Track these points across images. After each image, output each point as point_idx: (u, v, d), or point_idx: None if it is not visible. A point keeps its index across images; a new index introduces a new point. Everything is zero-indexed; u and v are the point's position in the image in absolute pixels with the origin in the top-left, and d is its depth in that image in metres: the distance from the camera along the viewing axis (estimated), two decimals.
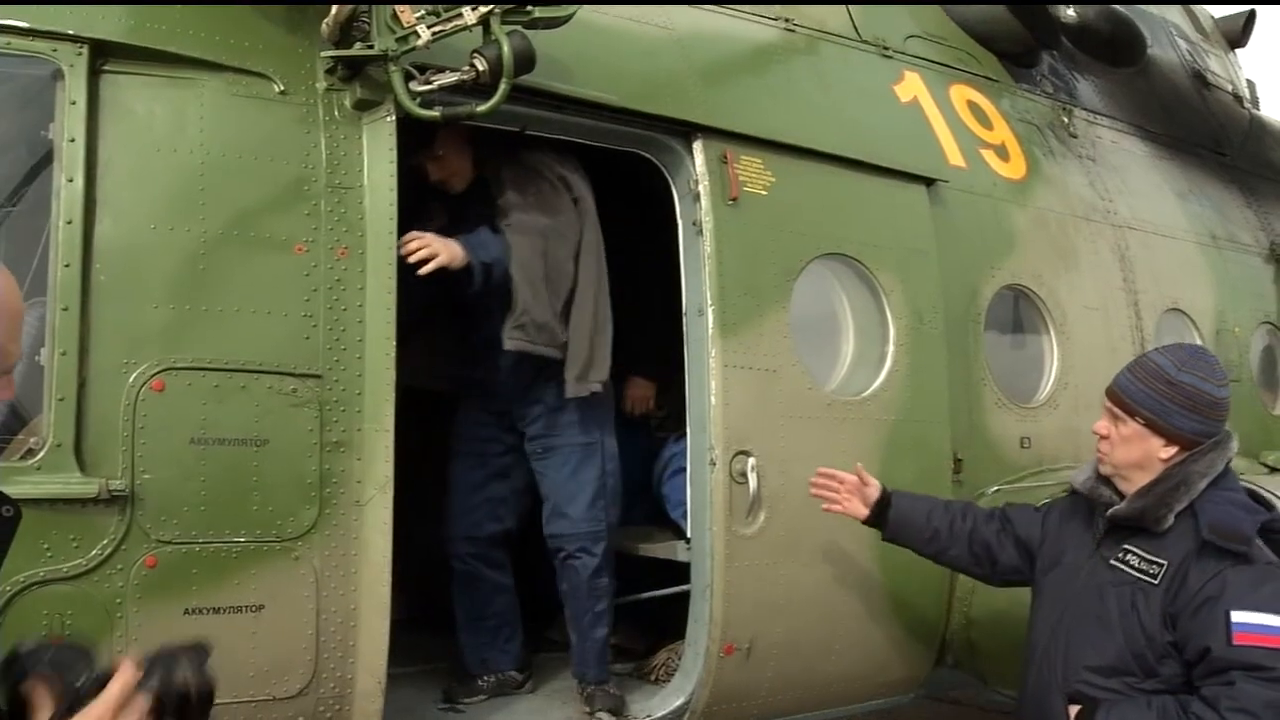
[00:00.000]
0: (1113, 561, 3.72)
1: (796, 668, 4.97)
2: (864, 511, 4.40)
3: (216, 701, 3.70)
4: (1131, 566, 3.67)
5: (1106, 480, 3.84)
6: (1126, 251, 7.19)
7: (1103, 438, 3.81)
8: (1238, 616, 3.42)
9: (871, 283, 5.44)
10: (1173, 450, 3.69)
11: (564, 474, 5.10)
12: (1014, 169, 6.58)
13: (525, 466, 5.26)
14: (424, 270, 4.42)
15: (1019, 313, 6.42)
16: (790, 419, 4.93)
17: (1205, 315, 7.62)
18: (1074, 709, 3.69)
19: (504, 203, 4.89)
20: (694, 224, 4.90)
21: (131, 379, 3.71)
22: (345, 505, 4.01)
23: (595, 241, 4.98)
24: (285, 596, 3.91)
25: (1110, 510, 3.76)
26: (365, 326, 4.09)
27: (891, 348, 5.42)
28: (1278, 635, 3.40)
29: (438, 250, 4.47)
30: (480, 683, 5.11)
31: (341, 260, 4.09)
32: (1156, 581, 3.61)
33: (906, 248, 5.59)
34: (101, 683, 1.96)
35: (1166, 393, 3.70)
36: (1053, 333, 6.42)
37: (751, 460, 4.68)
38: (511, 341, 4.75)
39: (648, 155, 5.00)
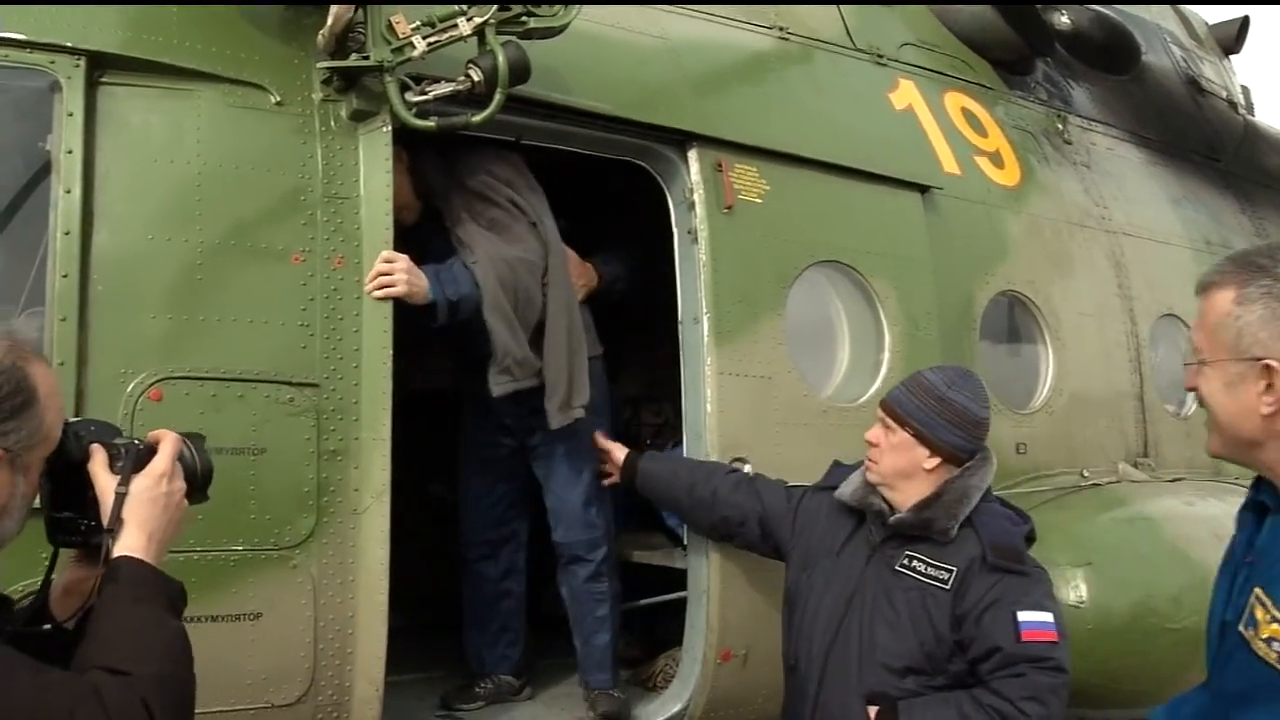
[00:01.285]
0: (898, 567, 3.92)
1: None
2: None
3: (215, 710, 3.78)
4: (919, 573, 3.89)
5: (873, 489, 4.03)
6: (1121, 258, 7.22)
7: (874, 445, 4.01)
8: (1023, 616, 3.74)
9: (866, 290, 5.46)
10: (936, 461, 3.94)
11: (560, 480, 5.10)
12: (1008, 176, 6.60)
13: (529, 469, 5.26)
14: (376, 296, 4.24)
15: (1014, 319, 6.45)
16: (786, 426, 4.95)
17: None
18: (873, 710, 3.82)
19: (463, 234, 4.77)
20: (689, 232, 4.92)
21: (129, 389, 3.72)
22: (343, 514, 4.02)
23: (560, 263, 4.89)
24: (283, 605, 3.92)
25: (894, 518, 3.95)
26: (362, 335, 4.11)
27: (887, 354, 5.45)
28: (1055, 630, 3.76)
29: (396, 281, 4.25)
30: (478, 689, 5.11)
31: (338, 270, 4.11)
32: (947, 587, 3.83)
33: (901, 255, 5.61)
34: (141, 448, 2.41)
35: (936, 407, 3.95)
36: (1048, 339, 6.44)
37: (747, 467, 4.69)
38: (499, 387, 4.69)
39: (642, 164, 5.02)
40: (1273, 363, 2.37)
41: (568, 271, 4.96)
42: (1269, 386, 2.39)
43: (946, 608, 3.79)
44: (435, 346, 5.35)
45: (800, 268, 5.22)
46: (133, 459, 2.38)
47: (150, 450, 2.42)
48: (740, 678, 4.83)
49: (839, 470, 4.32)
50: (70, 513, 2.39)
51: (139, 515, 2.35)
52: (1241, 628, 2.43)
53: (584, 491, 5.10)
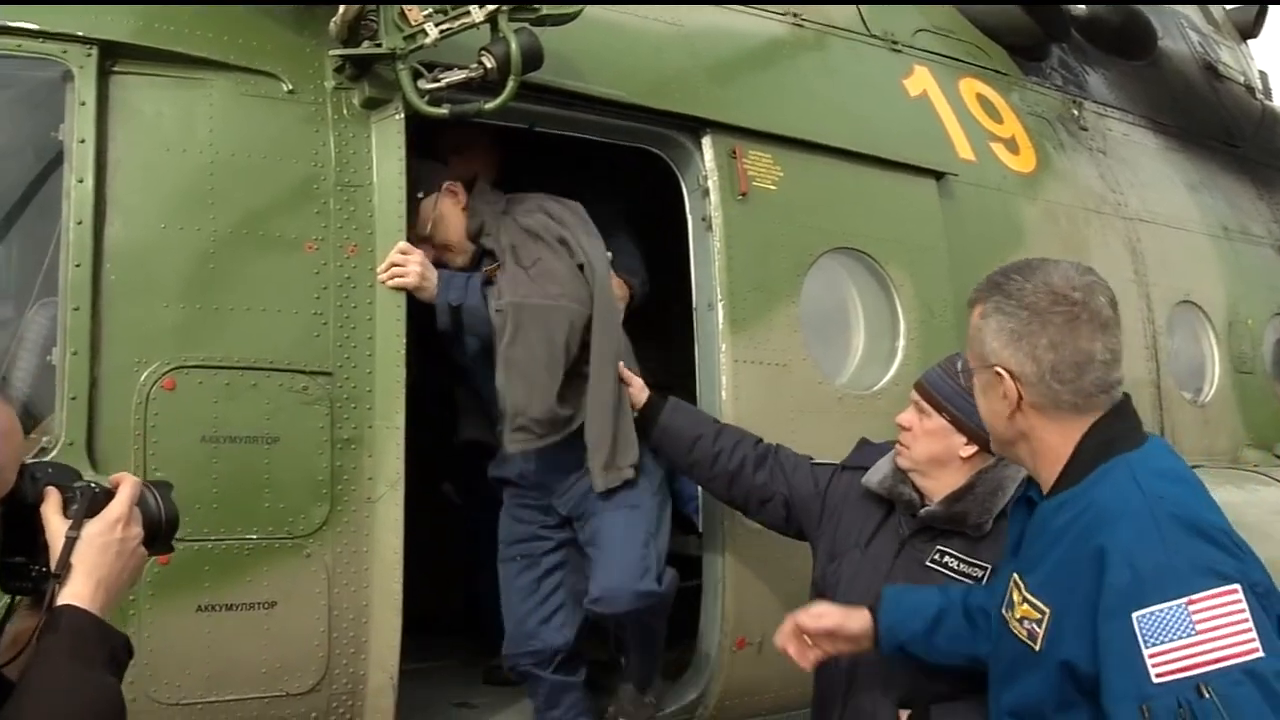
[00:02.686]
0: (929, 563, 3.71)
1: None
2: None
3: (229, 698, 3.78)
4: (951, 569, 3.67)
5: (904, 477, 3.83)
6: (1138, 244, 7.18)
7: (906, 429, 3.80)
8: None
9: (881, 277, 5.43)
10: (973, 450, 3.69)
11: (609, 541, 4.57)
12: (1024, 162, 6.57)
13: (579, 561, 4.76)
14: (388, 285, 4.19)
15: None
16: (801, 413, 4.93)
17: (1217, 307, 7.60)
18: (905, 713, 3.66)
19: (501, 282, 4.48)
20: (703, 219, 4.90)
21: (143, 378, 3.73)
22: (357, 502, 4.02)
23: (608, 312, 4.55)
24: (297, 593, 3.93)
25: (924, 511, 3.75)
26: (375, 324, 4.11)
27: (902, 341, 5.42)
28: None
29: (408, 272, 4.19)
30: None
31: (351, 258, 4.11)
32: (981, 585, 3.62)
33: (916, 241, 5.58)
34: (97, 492, 2.28)
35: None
36: None
37: None
38: (514, 444, 4.43)
39: (657, 151, 4.99)
40: (999, 369, 2.64)
41: (618, 322, 4.66)
42: (1004, 392, 2.65)
43: None
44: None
45: (815, 255, 5.20)
46: (87, 502, 2.26)
47: (108, 494, 2.29)
48: (755, 665, 4.82)
49: (868, 449, 4.17)
50: (22, 557, 2.27)
51: (88, 561, 2.22)
52: (1003, 610, 2.69)
53: (633, 549, 4.55)
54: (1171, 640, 2.24)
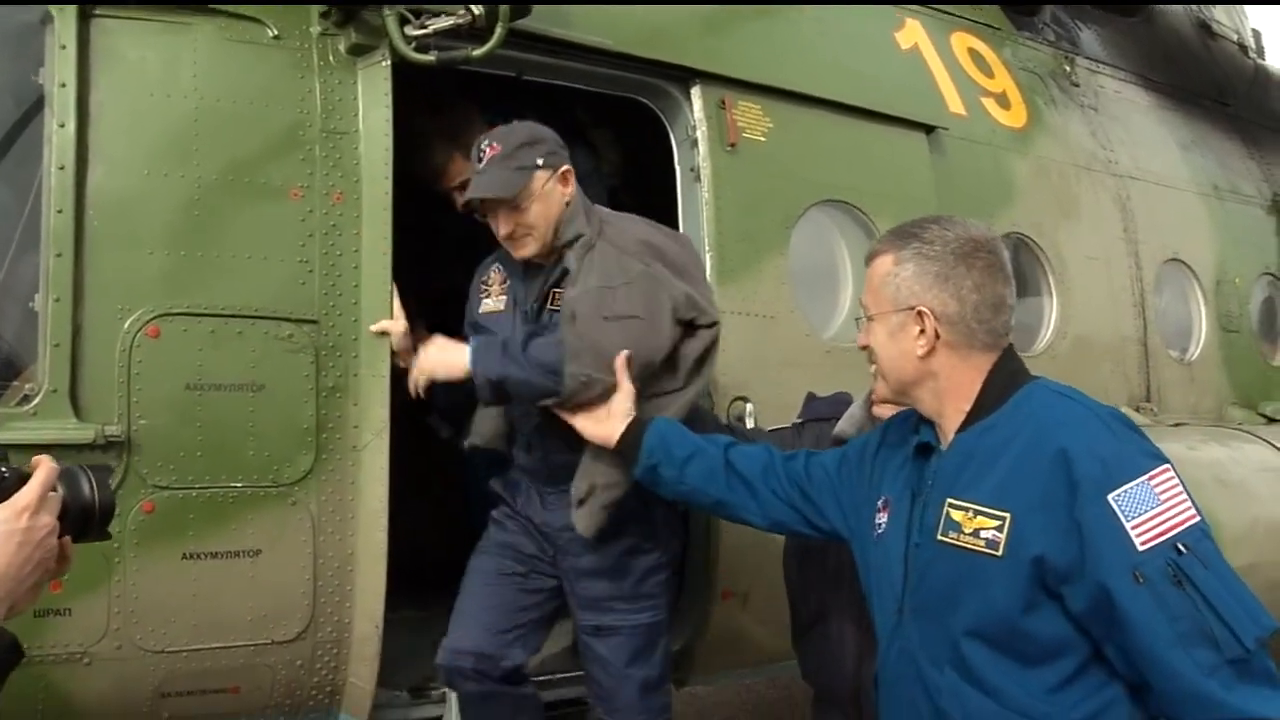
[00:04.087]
0: None
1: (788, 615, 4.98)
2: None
3: (214, 646, 3.78)
4: None
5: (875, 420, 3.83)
6: (1127, 201, 7.18)
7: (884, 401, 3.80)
8: None
9: (870, 230, 5.41)
10: None
11: (617, 662, 4.15)
12: (1015, 117, 6.55)
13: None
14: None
15: (1018, 261, 6.40)
16: (788, 366, 4.92)
17: (1206, 266, 7.61)
18: None
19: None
20: (692, 170, 4.87)
21: (126, 325, 3.70)
22: (342, 450, 4.01)
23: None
24: (283, 541, 3.92)
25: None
26: (361, 271, 4.07)
27: None
28: None
29: (418, 378, 3.97)
30: None
31: (337, 205, 4.07)
32: None
33: (906, 195, 5.56)
34: (9, 479, 2.12)
35: None
36: (1052, 282, 6.41)
37: (749, 406, 4.67)
38: (584, 521, 3.92)
39: (645, 101, 4.96)
40: (922, 308, 2.81)
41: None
42: (921, 331, 2.82)
43: None
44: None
45: (804, 207, 5.19)
46: None
47: (21, 480, 2.13)
48: (740, 617, 4.84)
49: (816, 403, 4.21)
50: None
51: None
52: (940, 536, 2.79)
53: (647, 671, 4.18)
54: (1145, 512, 2.54)
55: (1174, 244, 7.41)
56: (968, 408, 2.84)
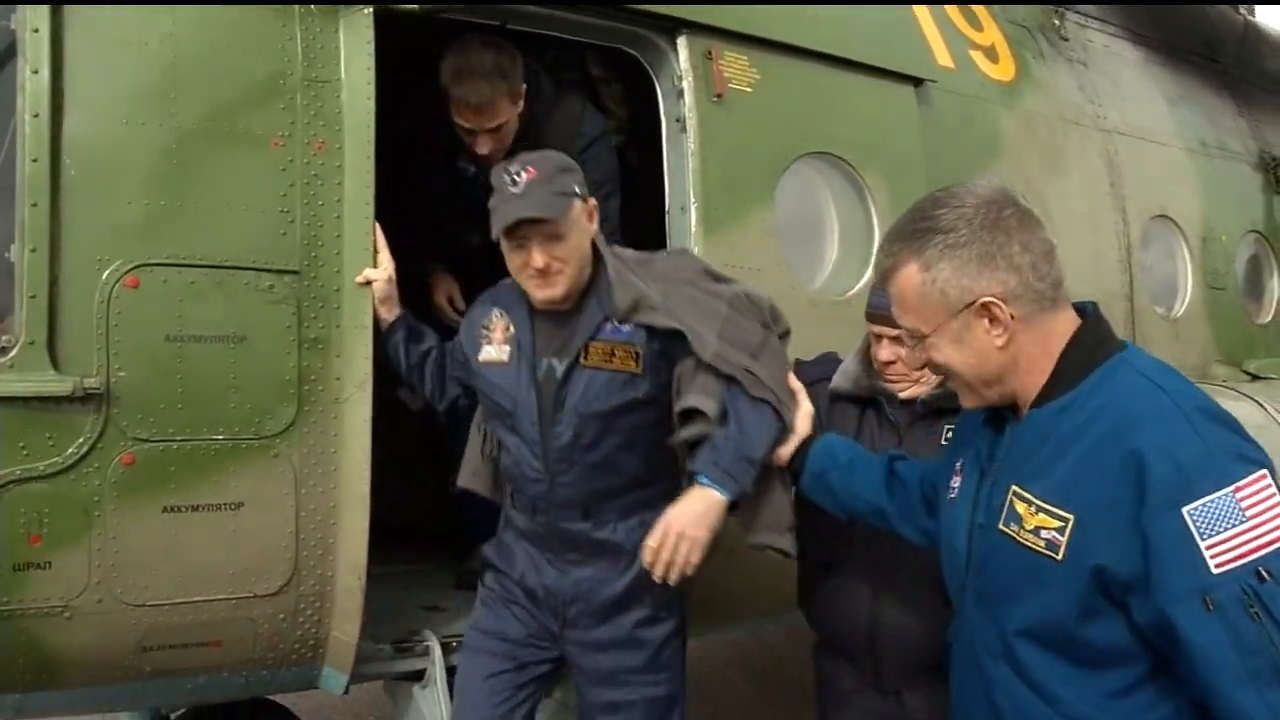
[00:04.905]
0: (944, 441, 3.69)
1: (775, 569, 4.97)
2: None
3: (196, 599, 3.76)
4: None
5: (873, 373, 3.88)
6: (1115, 157, 7.15)
7: (889, 363, 3.79)
8: None
9: (857, 182, 5.38)
10: None
11: None
12: (1003, 71, 6.50)
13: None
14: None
15: None
16: None
17: (1192, 222, 7.60)
18: None
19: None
20: (678, 121, 4.80)
21: (105, 276, 3.64)
22: (325, 403, 3.97)
23: None
24: (264, 494, 3.89)
25: (930, 395, 3.78)
26: (343, 222, 4.01)
27: (876, 248, 5.37)
28: None
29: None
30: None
31: (319, 155, 4.00)
32: None
33: (893, 148, 5.53)
34: None
35: None
36: None
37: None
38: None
39: (631, 51, 4.89)
40: (985, 299, 2.57)
41: None
42: (991, 321, 2.59)
43: None
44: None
45: (790, 159, 5.13)
46: None
47: None
48: (725, 571, 4.82)
49: (806, 366, 4.12)
50: None
51: None
52: (1002, 526, 2.62)
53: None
54: (1226, 530, 2.27)
55: (1161, 200, 7.39)
56: (1041, 383, 2.62)
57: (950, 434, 3.63)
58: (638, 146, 5.20)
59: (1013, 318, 2.58)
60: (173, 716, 5.41)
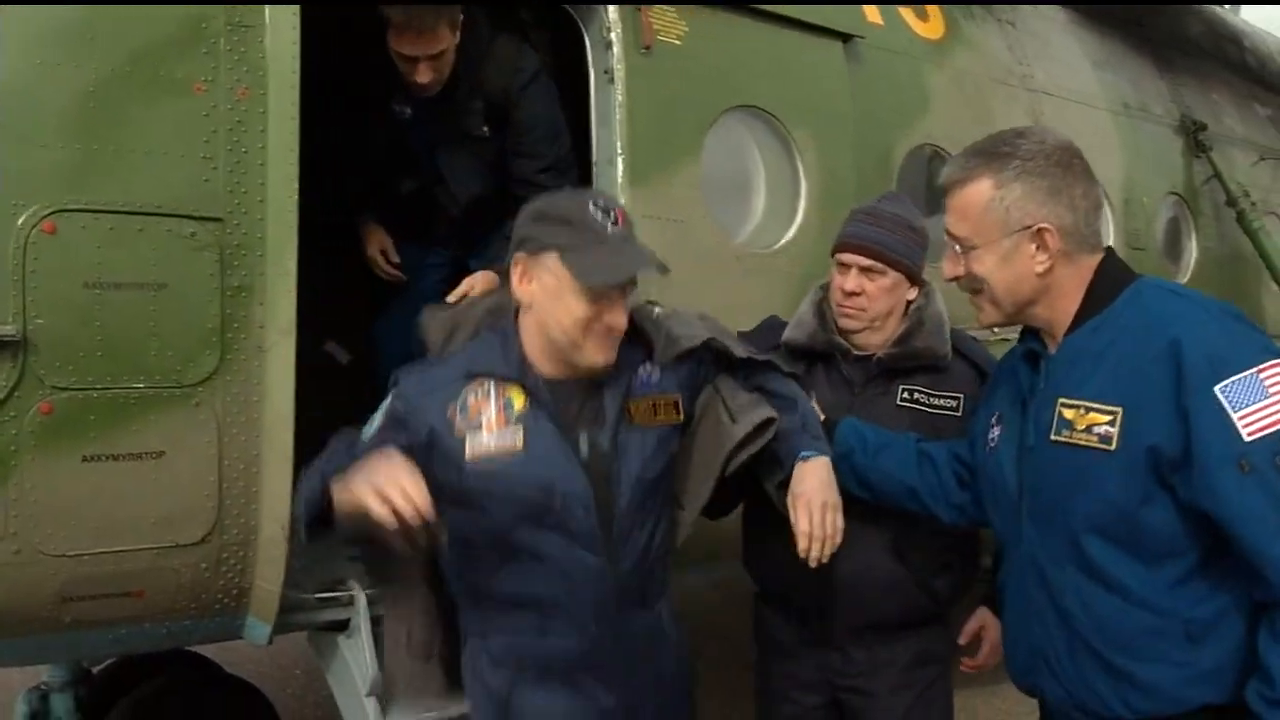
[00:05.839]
0: (900, 403, 3.83)
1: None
2: None
3: (117, 549, 3.71)
4: (924, 404, 3.83)
5: (830, 328, 3.91)
6: (1041, 117, 7.21)
7: (857, 294, 3.81)
8: None
9: (784, 137, 5.41)
10: (915, 291, 3.89)
11: None
12: (932, 29, 6.52)
13: None
14: None
15: (932, 173, 6.43)
16: (700, 270, 4.87)
17: (1114, 184, 7.69)
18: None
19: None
20: (606, 72, 4.78)
21: (20, 221, 3.56)
22: (247, 351, 3.92)
23: None
24: (186, 443, 3.84)
25: (885, 353, 3.85)
26: (267, 169, 3.95)
27: (803, 203, 5.42)
28: None
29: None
30: None
31: (242, 101, 3.94)
32: (958, 414, 3.79)
33: (821, 103, 5.55)
34: None
35: (913, 239, 3.86)
36: None
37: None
38: None
39: (561, 3, 4.85)
40: (1043, 226, 2.83)
41: None
42: (1038, 249, 2.85)
43: (954, 434, 3.73)
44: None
45: (718, 112, 5.14)
46: None
47: None
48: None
49: (765, 331, 4.15)
50: None
51: None
52: (1054, 436, 2.86)
53: None
54: (1254, 403, 2.59)
55: None
56: (1075, 309, 2.90)
57: (906, 395, 3.83)
58: (564, 99, 5.17)
59: (1058, 250, 2.84)
60: (95, 669, 5.37)
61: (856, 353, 3.89)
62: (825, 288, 4.01)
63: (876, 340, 3.87)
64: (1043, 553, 2.92)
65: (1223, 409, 2.59)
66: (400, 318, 4.98)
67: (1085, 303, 2.90)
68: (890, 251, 3.79)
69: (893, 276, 3.81)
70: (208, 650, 4.97)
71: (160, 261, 3.77)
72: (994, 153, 2.90)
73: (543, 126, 4.84)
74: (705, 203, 5.05)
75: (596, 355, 3.08)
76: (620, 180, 4.74)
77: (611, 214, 3.06)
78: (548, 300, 3.05)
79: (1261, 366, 2.62)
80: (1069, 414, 2.82)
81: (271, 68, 3.99)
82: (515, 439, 3.09)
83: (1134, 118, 8.18)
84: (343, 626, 4.35)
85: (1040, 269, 2.86)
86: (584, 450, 3.14)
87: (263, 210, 3.95)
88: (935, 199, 6.32)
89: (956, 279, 3.02)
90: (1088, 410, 2.77)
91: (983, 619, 4.06)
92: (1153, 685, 2.76)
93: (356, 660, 4.25)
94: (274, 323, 3.95)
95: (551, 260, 3.02)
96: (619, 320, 3.08)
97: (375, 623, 4.23)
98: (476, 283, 4.50)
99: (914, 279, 3.88)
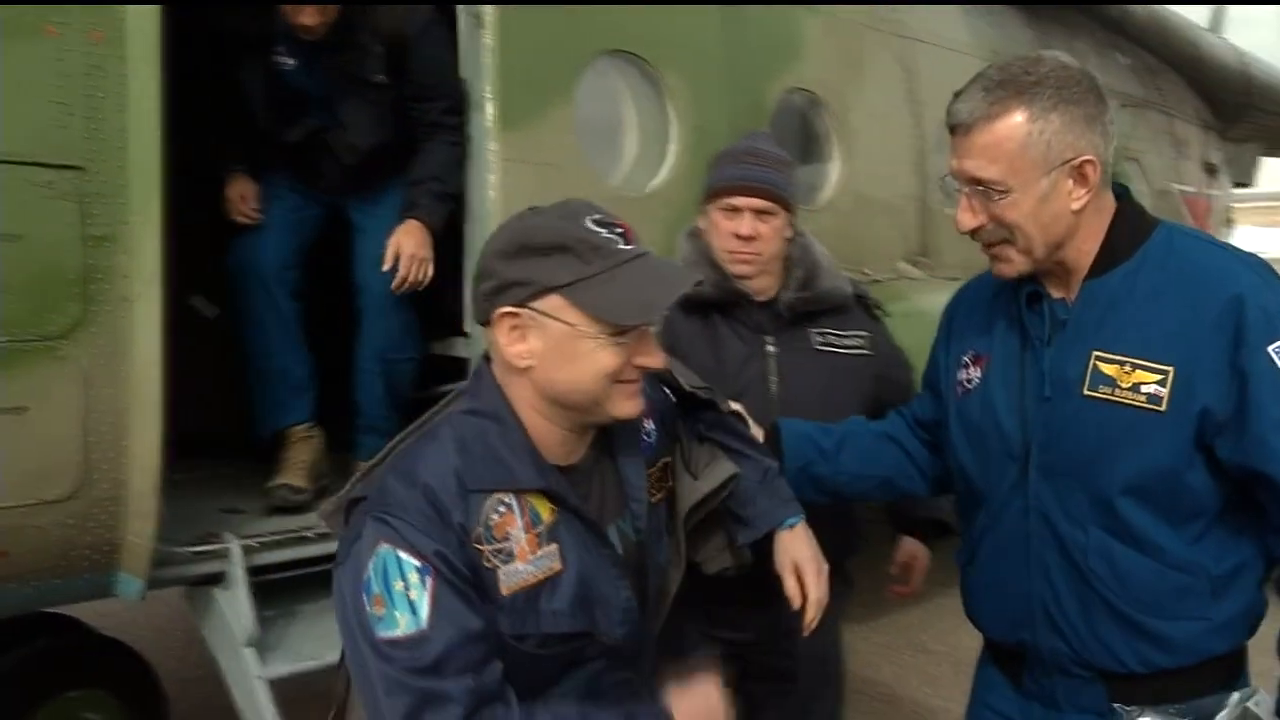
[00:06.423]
0: (819, 347, 3.73)
1: None
2: None
3: None
4: (841, 346, 3.76)
5: (727, 276, 3.69)
6: (912, 63, 7.33)
7: (751, 238, 3.62)
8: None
9: (656, 81, 5.43)
10: (792, 230, 3.77)
11: None
12: None
13: None
14: None
15: (804, 117, 6.50)
16: None
17: None
18: None
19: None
20: (474, 16, 4.75)
21: None
22: (112, 302, 3.81)
23: None
24: (50, 397, 3.72)
25: (794, 297, 3.72)
26: (127, 115, 3.82)
27: (674, 146, 5.46)
28: None
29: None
30: None
31: (98, 45, 3.81)
32: (872, 351, 3.82)
33: (692, 48, 5.58)
34: None
35: (793, 176, 3.77)
36: (836, 139, 6.53)
37: None
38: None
39: None
40: (1087, 158, 2.56)
41: None
42: (1078, 181, 2.58)
43: (871, 372, 3.75)
44: None
45: (590, 56, 5.14)
46: None
47: None
48: None
49: None
50: None
51: None
52: (1089, 391, 2.64)
53: None
54: None
55: None
56: (1095, 247, 2.67)
57: (820, 340, 3.74)
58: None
59: (1097, 183, 2.61)
60: None
61: (759, 299, 3.72)
62: (696, 233, 3.84)
63: (766, 284, 3.70)
64: (1059, 511, 2.72)
65: (1276, 367, 2.47)
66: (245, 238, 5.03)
67: (1106, 246, 2.67)
68: (782, 191, 3.65)
69: (783, 217, 3.66)
70: (88, 614, 4.84)
71: (15, 211, 3.62)
72: (1020, 81, 2.55)
73: (443, 68, 4.78)
74: (578, 146, 5.05)
75: (626, 405, 2.39)
76: (489, 125, 4.72)
77: (616, 226, 2.33)
78: (557, 358, 2.30)
79: None
80: (1108, 369, 2.61)
81: (130, 10, 3.86)
82: (549, 561, 2.35)
83: None
84: (218, 580, 4.29)
85: (1076, 206, 2.60)
86: (619, 552, 2.48)
87: (124, 157, 3.81)
88: (809, 144, 6.44)
89: (976, 230, 2.68)
90: (1134, 367, 2.58)
91: (912, 550, 4.10)
92: (1176, 641, 2.67)
93: (234, 611, 4.20)
94: (139, 272, 3.84)
95: (554, 304, 2.27)
96: (655, 358, 2.39)
97: (251, 573, 4.20)
98: (403, 244, 4.50)
99: (793, 212, 3.73)
